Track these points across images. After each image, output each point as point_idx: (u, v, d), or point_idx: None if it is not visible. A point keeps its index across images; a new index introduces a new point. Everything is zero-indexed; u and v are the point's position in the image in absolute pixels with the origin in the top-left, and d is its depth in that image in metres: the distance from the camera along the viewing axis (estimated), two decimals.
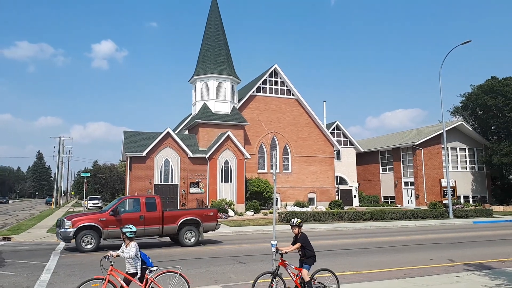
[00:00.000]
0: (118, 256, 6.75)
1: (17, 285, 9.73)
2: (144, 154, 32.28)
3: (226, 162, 34.91)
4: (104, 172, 69.12)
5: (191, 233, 16.84)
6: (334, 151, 44.65)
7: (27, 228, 24.35)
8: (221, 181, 34.67)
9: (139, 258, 6.96)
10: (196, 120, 35.83)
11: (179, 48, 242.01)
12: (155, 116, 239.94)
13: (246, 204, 34.88)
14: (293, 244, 7.71)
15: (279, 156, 40.99)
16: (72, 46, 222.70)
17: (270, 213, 33.65)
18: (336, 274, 7.89)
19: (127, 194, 30.25)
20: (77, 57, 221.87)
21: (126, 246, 6.92)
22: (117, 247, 16.23)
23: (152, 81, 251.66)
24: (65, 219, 15.61)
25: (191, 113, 40.83)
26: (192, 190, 33.70)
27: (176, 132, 38.81)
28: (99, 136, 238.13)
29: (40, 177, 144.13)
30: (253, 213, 33.45)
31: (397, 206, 45.29)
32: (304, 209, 35.93)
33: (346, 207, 39.04)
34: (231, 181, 34.93)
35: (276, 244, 7.55)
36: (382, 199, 50.69)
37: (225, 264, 12.40)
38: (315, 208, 38.87)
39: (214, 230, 17.96)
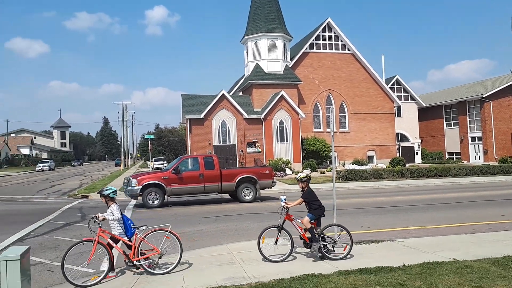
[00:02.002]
0: (104, 219, 6.87)
1: (82, 235, 10.61)
2: (202, 116, 33.07)
3: (281, 122, 34.81)
4: (166, 135, 72.30)
5: (248, 189, 17.27)
6: (394, 107, 42.69)
7: (101, 187, 26.39)
8: (277, 141, 34.80)
9: (122, 219, 7.10)
10: (249, 81, 35.75)
11: (230, 9, 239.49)
12: (210, 79, 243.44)
13: (303, 163, 34.91)
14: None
15: (335, 114, 40.03)
16: (127, 14, 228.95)
17: (328, 171, 33.45)
18: (350, 231, 7.64)
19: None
20: (132, 25, 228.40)
21: (108, 208, 7.07)
22: (181, 204, 17.15)
23: (205, 44, 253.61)
24: (131, 178, 16.65)
25: (244, 75, 40.76)
26: (249, 150, 34.26)
27: (230, 93, 39.14)
28: (159, 101, 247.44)
29: (108, 141, 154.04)
30: (310, 171, 33.29)
31: (463, 162, 42.97)
32: (363, 167, 35.21)
33: (408, 165, 37.69)
34: (286, 141, 34.94)
35: (285, 199, 7.54)
36: (447, 156, 48.25)
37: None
38: (375, 166, 37.96)
39: (271, 187, 18.27)
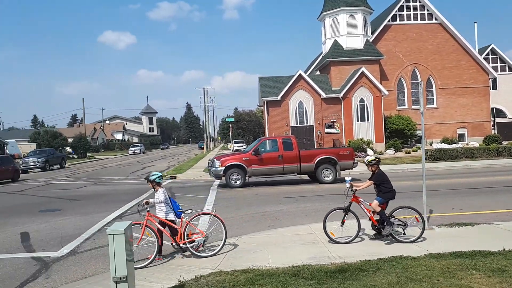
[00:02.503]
0: (148, 202, 7.00)
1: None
2: (279, 98, 33.14)
3: (362, 100, 33.51)
4: (244, 118, 73.97)
5: (327, 171, 17.03)
6: (489, 79, 38.67)
7: (187, 168, 28.00)
8: (357, 120, 33.66)
9: (169, 203, 7.22)
10: (327, 59, 34.82)
11: None
12: (287, 60, 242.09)
13: (385, 143, 33.43)
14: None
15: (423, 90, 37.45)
16: (205, 0, 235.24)
17: (414, 151, 31.66)
18: (422, 214, 7.13)
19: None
20: (210, 11, 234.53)
21: (155, 192, 7.17)
22: (261, 184, 17.53)
23: (281, 25, 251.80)
24: (215, 159, 17.39)
25: (321, 53, 39.77)
26: (327, 130, 33.67)
27: (307, 73, 38.53)
28: (237, 85, 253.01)
29: (191, 125, 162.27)
30: (394, 151, 31.95)
31: None
32: (453, 145, 32.68)
33: (505, 142, 34.14)
34: (367, 120, 33.64)
35: (350, 180, 7.39)
36: None
37: (368, 201, 12.25)
38: (466, 144, 35.02)
39: (351, 169, 17.80)
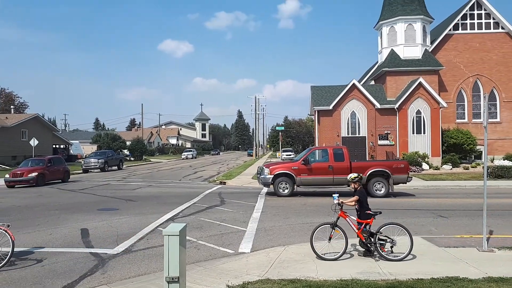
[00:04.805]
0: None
1: (236, 219, 11.57)
2: (330, 107, 32.74)
3: (418, 112, 32.20)
4: (293, 127, 73.80)
5: (379, 184, 16.52)
6: None
7: (236, 175, 28.42)
8: (413, 133, 32.36)
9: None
10: (383, 69, 33.90)
11: None
12: (340, 70, 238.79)
13: (442, 158, 31.81)
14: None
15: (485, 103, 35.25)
16: (261, 10, 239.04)
17: (473, 167, 29.88)
18: (409, 230, 7.14)
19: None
20: (266, 20, 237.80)
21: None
22: (309, 194, 17.35)
23: (335, 35, 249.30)
24: (264, 167, 17.49)
25: (377, 62, 38.81)
26: (380, 142, 32.70)
27: (361, 83, 37.75)
28: (288, 94, 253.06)
29: (241, 133, 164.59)
30: (451, 167, 30.31)
31: None
32: None
33: None
34: (424, 133, 32.23)
35: (338, 196, 7.45)
36: None
37: (422, 217, 11.77)
38: None
39: (405, 183, 17.13)
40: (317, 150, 17.84)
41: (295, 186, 16.95)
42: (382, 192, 16.43)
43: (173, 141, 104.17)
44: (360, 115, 33.12)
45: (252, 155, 67.31)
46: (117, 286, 6.19)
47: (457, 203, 14.70)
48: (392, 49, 34.60)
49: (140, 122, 76.06)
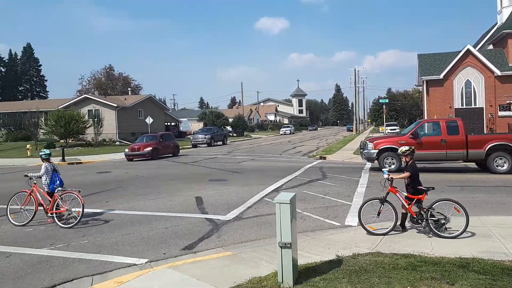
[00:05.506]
0: (26, 175, 8.92)
1: (340, 193, 11.47)
2: (441, 76, 30.01)
3: None
4: (398, 99, 69.55)
5: (501, 159, 14.82)
6: None
7: (336, 150, 27.98)
8: None
9: (49, 177, 8.84)
10: (503, 31, 29.74)
11: None
12: (447, 36, 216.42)
13: None
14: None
15: None
16: None
17: None
18: (464, 206, 6.70)
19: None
20: None
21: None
22: (419, 170, 16.31)
23: None
24: (368, 142, 16.85)
25: (495, 24, 34.19)
26: (501, 113, 29.14)
27: (476, 48, 33.72)
28: (390, 64, 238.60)
29: (339, 107, 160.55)
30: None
31: None
32: None
33: None
34: None
35: (387, 171, 7.26)
36: None
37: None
38: None
39: None
40: (427, 123, 16.58)
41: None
42: (504, 168, 14.75)
43: (271, 117, 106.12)
44: (476, 84, 29.81)
45: (352, 130, 65.41)
46: (231, 249, 6.65)
47: None
48: None
49: (240, 100, 79.04)
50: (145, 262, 6.18)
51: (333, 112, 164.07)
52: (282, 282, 4.87)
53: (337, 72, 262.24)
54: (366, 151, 16.65)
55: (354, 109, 69.37)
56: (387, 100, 43.75)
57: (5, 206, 8.96)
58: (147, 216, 9.23)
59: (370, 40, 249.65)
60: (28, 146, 29.40)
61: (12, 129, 45.00)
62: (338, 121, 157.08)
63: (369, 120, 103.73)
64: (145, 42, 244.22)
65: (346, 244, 6.60)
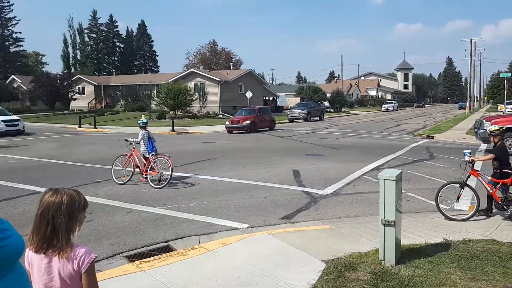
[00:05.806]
0: (126, 140, 10.40)
1: (449, 175, 10.51)
2: None
3: None
4: None
5: None
6: None
7: (446, 129, 25.77)
8: None
9: (145, 143, 10.10)
10: None
11: None
12: None
13: None
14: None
15: None
16: None
17: None
18: None
19: None
20: None
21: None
22: None
23: None
24: (484, 121, 15.28)
25: None
26: None
27: None
28: None
29: (451, 83, 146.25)
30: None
31: None
32: None
33: None
34: None
35: (470, 153, 6.62)
36: None
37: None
38: None
39: None
40: None
41: None
42: None
43: (372, 92, 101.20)
44: None
45: (464, 108, 59.30)
46: (329, 223, 6.64)
47: None
48: None
49: (339, 74, 76.66)
50: (247, 227, 6.51)
51: (443, 88, 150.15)
52: (384, 260, 4.74)
53: (449, 43, 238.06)
54: (481, 131, 15.06)
55: (468, 85, 62.54)
56: (510, 75, 38.52)
57: (115, 167, 10.13)
58: (248, 184, 9.63)
59: (490, 6, 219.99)
60: (142, 116, 32.49)
61: (130, 100, 50.07)
62: (448, 98, 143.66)
63: (485, 98, 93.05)
64: (247, 16, 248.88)
65: (456, 228, 6.13)
